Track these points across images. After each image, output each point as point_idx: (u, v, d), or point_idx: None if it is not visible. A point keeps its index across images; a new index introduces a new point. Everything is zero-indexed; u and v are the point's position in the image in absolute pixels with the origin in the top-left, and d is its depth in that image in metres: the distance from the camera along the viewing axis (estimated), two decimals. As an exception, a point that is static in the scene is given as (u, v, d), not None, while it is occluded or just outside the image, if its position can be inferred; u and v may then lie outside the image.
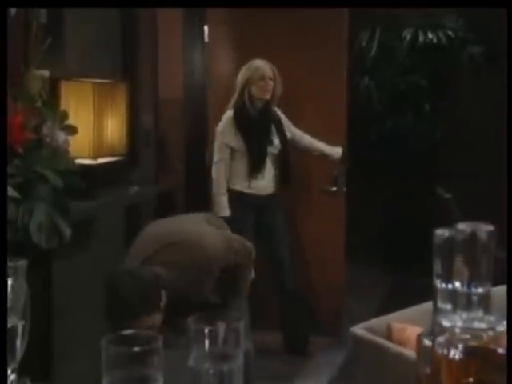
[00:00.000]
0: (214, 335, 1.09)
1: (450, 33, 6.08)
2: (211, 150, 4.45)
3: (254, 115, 4.27)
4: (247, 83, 4.25)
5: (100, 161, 3.48)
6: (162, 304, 2.61)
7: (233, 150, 4.27)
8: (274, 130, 4.35)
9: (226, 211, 4.23)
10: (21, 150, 2.76)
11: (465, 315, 0.92)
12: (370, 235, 6.29)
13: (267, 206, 4.38)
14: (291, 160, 4.42)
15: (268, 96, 4.29)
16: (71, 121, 3.31)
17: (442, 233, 0.98)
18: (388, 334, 2.82)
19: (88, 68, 3.66)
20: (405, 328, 2.79)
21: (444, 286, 0.96)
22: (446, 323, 0.92)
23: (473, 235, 0.91)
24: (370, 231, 6.32)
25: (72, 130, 3.11)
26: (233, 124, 4.25)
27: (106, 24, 3.90)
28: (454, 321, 0.92)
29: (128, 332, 1.03)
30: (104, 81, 3.52)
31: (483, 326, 0.91)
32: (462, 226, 0.93)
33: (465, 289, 0.92)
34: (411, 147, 6.07)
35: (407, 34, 6.14)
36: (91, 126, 3.38)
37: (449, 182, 5.36)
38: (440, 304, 0.98)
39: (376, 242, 6.27)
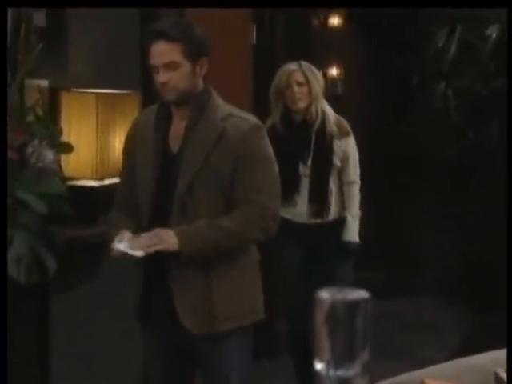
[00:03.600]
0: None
1: (543, 29, 5.85)
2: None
3: (284, 131, 4.09)
4: (277, 94, 4.11)
5: (106, 182, 3.48)
6: None
7: None
8: (312, 145, 4.09)
9: None
10: (2, 172, 2.79)
11: (327, 404, 0.84)
12: (448, 268, 6.14)
13: (305, 236, 4.20)
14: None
15: (301, 105, 4.07)
16: (73, 137, 3.34)
17: (323, 296, 0.90)
18: (420, 392, 2.70)
19: (96, 77, 3.67)
20: (439, 386, 2.67)
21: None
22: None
23: (333, 306, 0.83)
24: (448, 264, 6.15)
25: (66, 149, 3.13)
26: None
27: (122, 26, 3.90)
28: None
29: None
30: (110, 91, 3.52)
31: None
32: (324, 293, 0.85)
33: (325, 371, 0.84)
34: (495, 165, 5.86)
35: (492, 32, 5.90)
36: (94, 142, 3.38)
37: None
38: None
39: (453, 275, 6.10)
